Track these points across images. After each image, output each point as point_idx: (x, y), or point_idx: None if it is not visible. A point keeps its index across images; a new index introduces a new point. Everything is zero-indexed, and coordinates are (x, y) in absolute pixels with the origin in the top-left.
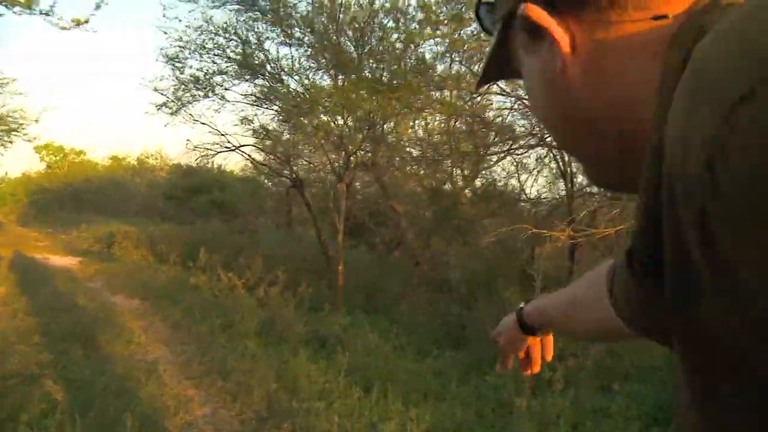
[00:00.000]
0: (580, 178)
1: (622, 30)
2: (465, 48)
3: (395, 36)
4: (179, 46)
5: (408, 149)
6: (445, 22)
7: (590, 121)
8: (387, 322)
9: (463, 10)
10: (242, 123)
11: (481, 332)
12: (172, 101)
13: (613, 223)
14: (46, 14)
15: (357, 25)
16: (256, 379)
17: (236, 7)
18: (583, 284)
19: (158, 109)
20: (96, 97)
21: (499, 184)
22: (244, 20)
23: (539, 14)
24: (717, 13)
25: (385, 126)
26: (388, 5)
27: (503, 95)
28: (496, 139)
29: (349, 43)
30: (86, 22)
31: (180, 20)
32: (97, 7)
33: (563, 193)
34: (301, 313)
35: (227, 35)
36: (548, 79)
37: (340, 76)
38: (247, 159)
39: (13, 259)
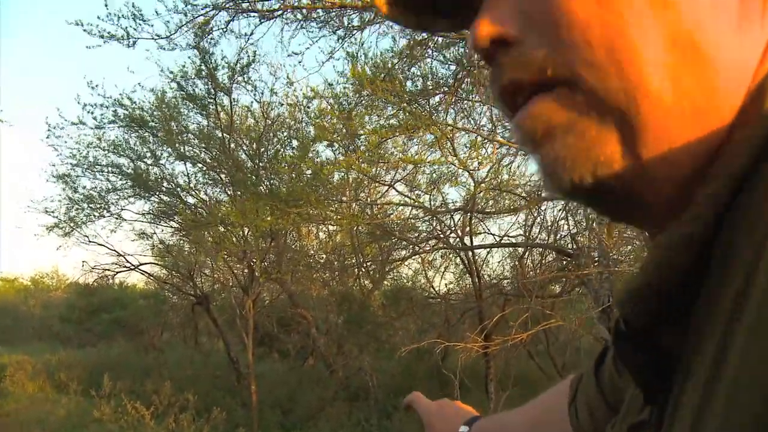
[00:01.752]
0: (486, 277)
1: None
2: (358, 169)
3: (290, 150)
4: (70, 164)
5: (313, 255)
6: (338, 138)
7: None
8: None
9: (356, 128)
10: (140, 238)
11: None
12: (65, 222)
13: (524, 327)
14: None
15: (253, 136)
16: None
17: (125, 126)
18: (543, 407)
19: (49, 231)
20: None
21: (407, 283)
22: (136, 136)
23: None
24: None
25: (287, 235)
26: (282, 118)
27: (403, 205)
28: (399, 243)
29: (245, 156)
30: None
31: (66, 141)
32: None
33: (471, 288)
34: None
35: (119, 152)
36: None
37: (238, 192)
38: (149, 278)
39: None
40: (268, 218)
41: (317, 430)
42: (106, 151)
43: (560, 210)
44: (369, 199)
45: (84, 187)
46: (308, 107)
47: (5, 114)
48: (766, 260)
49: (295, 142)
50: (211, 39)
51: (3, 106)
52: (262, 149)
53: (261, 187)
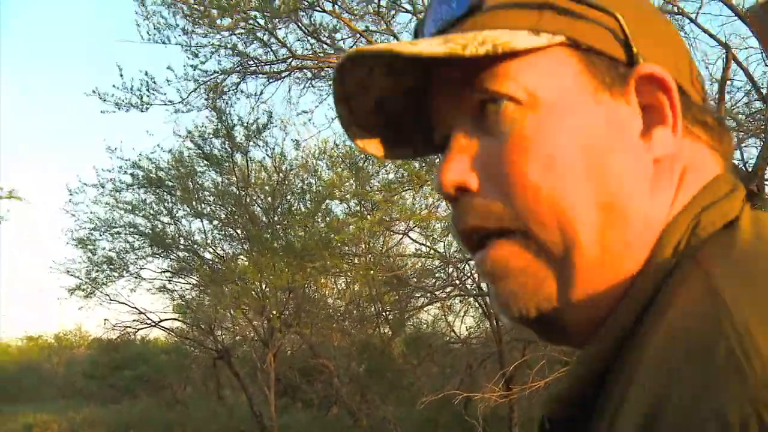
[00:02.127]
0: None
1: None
2: (370, 229)
3: (303, 205)
4: (89, 228)
5: (331, 305)
6: (349, 194)
7: (636, 223)
8: None
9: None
10: (160, 292)
11: None
12: (86, 283)
13: (542, 374)
14: None
15: (267, 190)
16: None
17: (142, 187)
18: None
19: (71, 293)
20: (4, 281)
21: (427, 329)
22: (153, 197)
23: (675, 92)
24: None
25: (305, 288)
26: (293, 171)
27: (417, 256)
28: (416, 291)
29: (259, 210)
30: None
31: (87, 205)
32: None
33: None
34: None
35: (137, 212)
36: (614, 142)
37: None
38: (170, 334)
39: None
40: (285, 273)
41: None
42: (123, 212)
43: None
44: (384, 249)
45: (103, 249)
46: (317, 166)
47: (28, 179)
48: (629, 398)
49: (307, 196)
50: (226, 100)
51: (25, 174)
52: (276, 203)
53: (276, 243)
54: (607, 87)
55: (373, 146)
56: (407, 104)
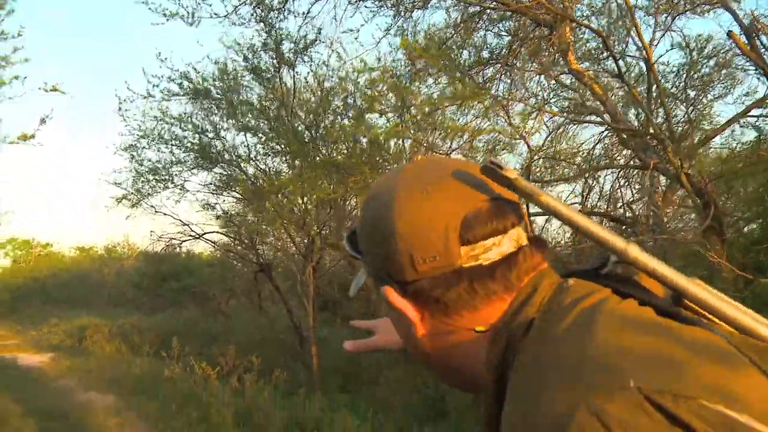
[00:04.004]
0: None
1: (458, 326)
2: (410, 136)
3: (346, 120)
4: (138, 135)
5: None
6: (388, 110)
7: (440, 363)
8: (365, 402)
9: (407, 98)
10: (204, 209)
11: (461, 403)
12: (132, 193)
13: None
14: None
15: (309, 107)
16: None
17: (189, 99)
18: None
19: (118, 202)
20: (58, 189)
21: None
22: (199, 109)
23: (396, 299)
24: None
25: (346, 203)
26: (336, 89)
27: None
28: None
29: (302, 127)
30: (32, 137)
31: (135, 114)
32: (42, 122)
33: None
34: (278, 398)
35: (183, 125)
36: (407, 332)
37: (296, 161)
38: (213, 246)
39: None
40: (326, 187)
41: (377, 391)
42: (170, 125)
43: (618, 178)
44: None
45: (149, 160)
46: (358, 82)
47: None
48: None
49: (351, 113)
50: (275, 15)
51: (76, 83)
52: (319, 119)
53: (318, 157)
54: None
55: None
56: None
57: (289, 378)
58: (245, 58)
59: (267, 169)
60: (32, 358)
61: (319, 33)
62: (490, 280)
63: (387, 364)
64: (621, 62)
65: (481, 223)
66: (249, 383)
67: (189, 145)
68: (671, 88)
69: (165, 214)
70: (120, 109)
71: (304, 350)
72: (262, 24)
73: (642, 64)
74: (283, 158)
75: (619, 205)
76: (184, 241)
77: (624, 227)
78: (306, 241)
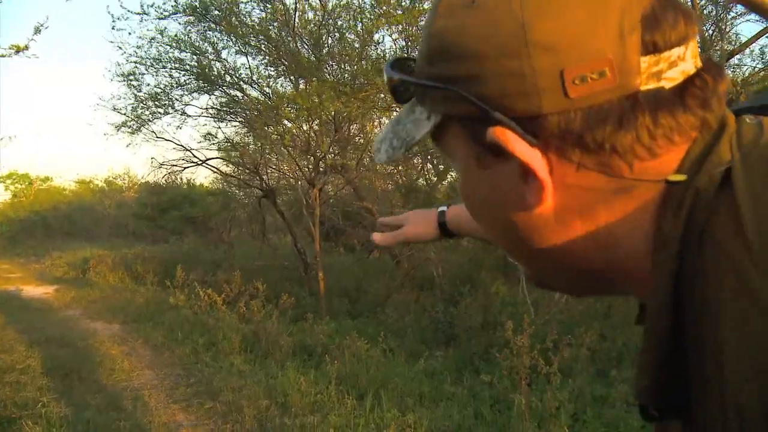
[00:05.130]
0: None
1: (621, 186)
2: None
3: (352, 35)
4: (134, 62)
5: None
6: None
7: (559, 253)
8: (373, 326)
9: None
10: (206, 138)
11: (470, 328)
12: (132, 120)
13: None
14: None
15: (312, 28)
16: (245, 397)
17: (187, 18)
18: None
19: (118, 129)
20: (55, 121)
21: None
22: (197, 30)
23: (518, 146)
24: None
25: (351, 128)
26: (343, 2)
27: None
28: None
29: (306, 47)
30: (26, 48)
31: (130, 33)
32: (37, 31)
33: None
34: (284, 324)
35: (181, 46)
36: (505, 202)
37: (301, 81)
38: (215, 172)
39: None
40: (335, 102)
41: (384, 317)
42: (168, 47)
43: None
44: None
45: (148, 85)
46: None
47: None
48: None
49: (358, 26)
50: None
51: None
52: (322, 40)
53: (325, 73)
54: (489, 151)
55: None
56: None
57: (296, 304)
58: None
59: (269, 93)
60: (36, 290)
61: None
62: (681, 110)
63: (395, 289)
64: None
65: (669, 21)
66: (255, 309)
67: (188, 67)
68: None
69: (166, 139)
70: (114, 28)
71: (309, 276)
72: None
73: None
74: (288, 78)
75: None
76: (186, 167)
77: None
78: (310, 166)
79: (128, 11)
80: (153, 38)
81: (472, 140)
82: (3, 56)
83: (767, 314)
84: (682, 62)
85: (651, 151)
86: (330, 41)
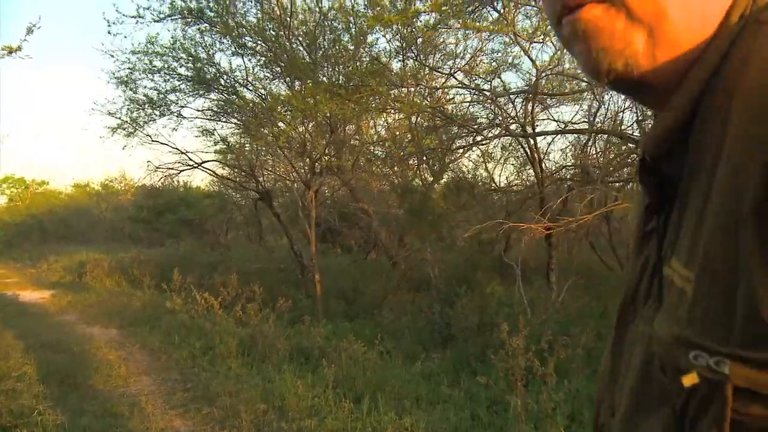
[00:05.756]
0: (550, 164)
1: None
2: (418, 42)
3: (347, 37)
4: (128, 69)
5: (372, 149)
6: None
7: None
8: (370, 328)
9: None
10: (203, 135)
11: (466, 329)
12: (127, 123)
13: (588, 207)
14: None
15: (308, 29)
16: (242, 401)
17: (183, 21)
18: None
19: (113, 132)
20: (51, 124)
21: (467, 175)
22: (191, 35)
23: None
24: None
25: (346, 129)
26: (337, 5)
27: (462, 87)
28: (460, 132)
29: (301, 48)
30: (19, 49)
31: (125, 36)
32: (29, 32)
33: (533, 179)
34: (281, 327)
35: (175, 53)
36: None
37: (296, 83)
38: (211, 175)
39: None
40: (330, 102)
41: (381, 318)
42: (162, 54)
43: (625, 98)
44: (428, 88)
45: (144, 87)
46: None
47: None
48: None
49: (352, 29)
50: None
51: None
52: (318, 41)
53: (320, 75)
54: None
55: None
56: None
57: (293, 306)
58: None
59: (265, 95)
60: (32, 295)
61: None
62: None
63: (391, 290)
64: None
65: None
66: (252, 312)
67: (182, 71)
68: None
69: (162, 143)
70: (109, 33)
71: (306, 279)
72: None
73: None
74: (284, 80)
75: (627, 124)
76: (182, 170)
77: (634, 145)
78: (306, 168)
79: (123, 15)
80: (146, 49)
81: None
82: None
83: None
84: None
85: None
86: (325, 43)
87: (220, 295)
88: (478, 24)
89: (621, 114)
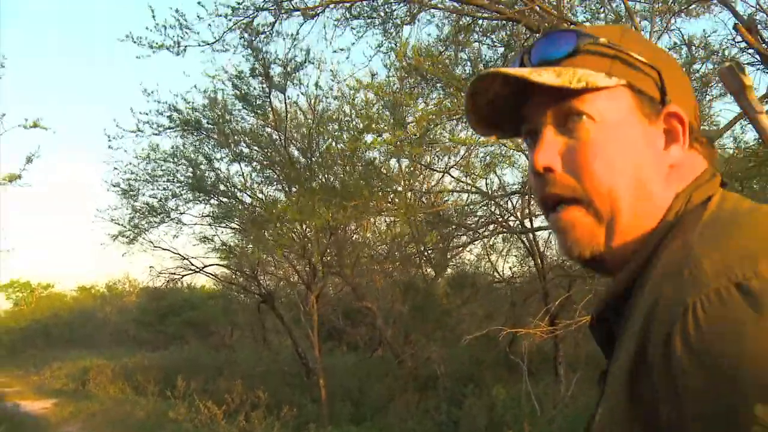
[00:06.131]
0: (550, 256)
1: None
2: (407, 152)
3: (341, 145)
4: (129, 179)
5: (374, 247)
6: (386, 128)
7: (651, 190)
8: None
9: (404, 116)
10: (202, 242)
11: (474, 427)
12: (129, 230)
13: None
14: None
15: (304, 132)
16: None
17: (182, 132)
18: None
19: (114, 239)
20: (54, 231)
21: (470, 269)
22: (191, 143)
23: (684, 117)
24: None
25: (347, 228)
26: (329, 112)
27: (459, 191)
28: (457, 231)
29: (297, 153)
30: (19, 177)
31: (126, 151)
32: (29, 161)
33: (534, 270)
34: None
35: (176, 160)
36: (645, 148)
37: (293, 189)
38: (213, 279)
39: None
40: (325, 213)
41: (387, 422)
42: (162, 161)
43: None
44: (424, 188)
45: (144, 194)
46: (354, 100)
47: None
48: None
49: (345, 135)
50: (263, 39)
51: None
52: (314, 144)
53: (315, 183)
54: (646, 116)
55: (480, 128)
56: (508, 103)
57: (298, 413)
58: (234, 86)
59: (264, 198)
60: (34, 405)
61: (308, 54)
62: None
63: (398, 389)
64: None
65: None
66: (257, 421)
67: (182, 179)
68: None
69: (163, 249)
70: (110, 147)
71: (311, 381)
72: (249, 49)
73: None
74: (279, 186)
75: None
76: (185, 275)
77: None
78: (308, 269)
79: (123, 130)
80: (147, 156)
81: (638, 107)
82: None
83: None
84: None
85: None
86: (322, 146)
87: (224, 402)
88: (463, 137)
89: None
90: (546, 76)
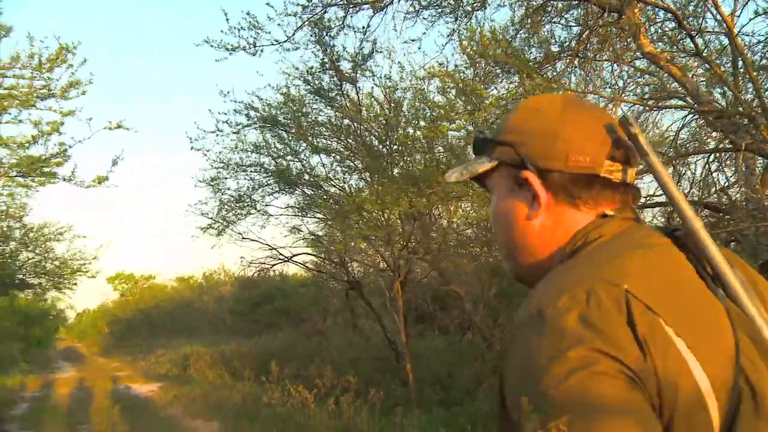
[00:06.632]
0: None
1: (574, 218)
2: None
3: (418, 133)
4: (217, 168)
5: (460, 231)
6: (459, 116)
7: (531, 246)
8: (465, 417)
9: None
10: (291, 233)
11: None
12: (218, 222)
13: None
14: (69, 180)
15: (380, 122)
16: None
17: (260, 128)
18: None
19: (204, 231)
20: (155, 222)
21: None
22: (272, 135)
23: (535, 181)
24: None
25: (431, 214)
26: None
27: None
28: None
29: (375, 141)
30: (106, 179)
31: (208, 151)
32: (114, 163)
33: None
34: (374, 419)
35: (261, 151)
36: (517, 216)
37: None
38: (302, 267)
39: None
40: (404, 200)
41: (475, 406)
42: (248, 152)
43: (708, 163)
44: None
45: (229, 189)
46: (426, 89)
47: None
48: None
49: (421, 122)
50: (331, 35)
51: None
52: (391, 133)
53: (395, 171)
54: (517, 184)
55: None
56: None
57: (386, 395)
58: (305, 81)
59: (347, 188)
60: (142, 388)
61: (375, 43)
62: (616, 193)
63: (487, 373)
64: (699, 39)
65: (625, 148)
66: (346, 404)
67: (269, 169)
68: (760, 60)
69: (252, 240)
70: (192, 148)
71: (401, 366)
72: (317, 45)
73: (723, 38)
74: (360, 175)
75: (713, 191)
76: (274, 265)
77: (720, 214)
78: (394, 255)
79: (204, 131)
80: (236, 146)
81: (511, 177)
82: (89, 186)
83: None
84: (620, 173)
85: (594, 203)
86: (398, 135)
87: (315, 387)
88: None
89: (708, 180)
90: (453, 175)
